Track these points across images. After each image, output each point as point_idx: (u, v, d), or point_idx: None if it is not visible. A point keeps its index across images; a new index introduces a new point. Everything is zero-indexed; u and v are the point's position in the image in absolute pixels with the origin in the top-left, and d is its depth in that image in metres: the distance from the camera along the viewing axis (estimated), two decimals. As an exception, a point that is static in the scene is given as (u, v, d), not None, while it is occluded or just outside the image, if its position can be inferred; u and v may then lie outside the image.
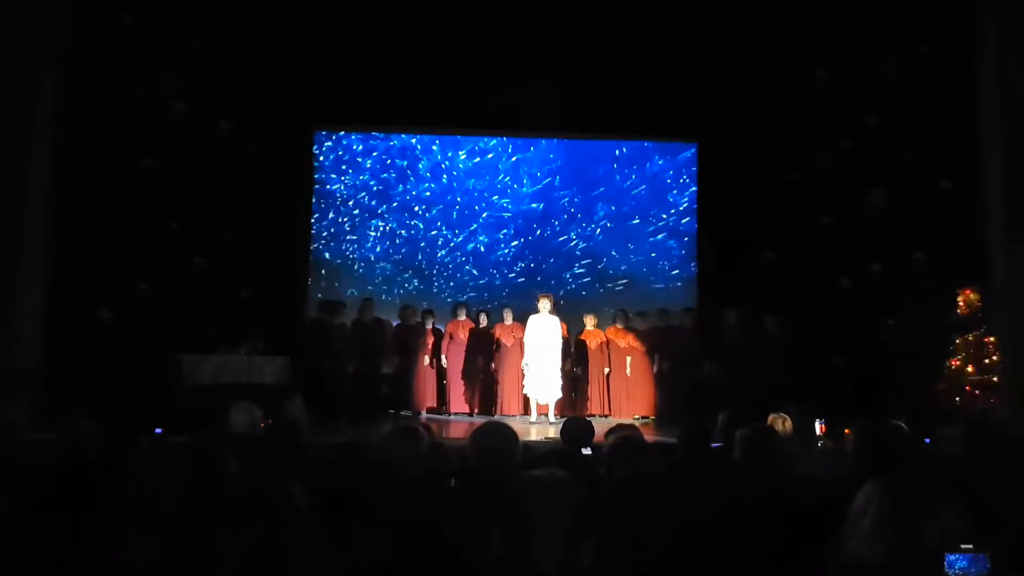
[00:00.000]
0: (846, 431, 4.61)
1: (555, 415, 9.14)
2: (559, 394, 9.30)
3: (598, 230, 11.04)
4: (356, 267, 10.81)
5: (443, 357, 9.90)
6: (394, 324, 9.97)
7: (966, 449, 3.81)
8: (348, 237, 10.81)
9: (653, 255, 11.03)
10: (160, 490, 2.59)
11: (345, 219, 10.83)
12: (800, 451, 4.24)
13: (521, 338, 9.61)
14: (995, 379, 8.09)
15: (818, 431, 5.58)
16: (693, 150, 10.93)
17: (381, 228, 10.87)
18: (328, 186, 10.80)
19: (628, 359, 10.01)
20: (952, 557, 1.78)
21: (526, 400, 9.49)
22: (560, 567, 2.24)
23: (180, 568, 2.25)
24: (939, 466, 3.51)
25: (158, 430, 4.74)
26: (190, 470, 2.68)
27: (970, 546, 1.79)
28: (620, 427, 4.49)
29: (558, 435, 4.96)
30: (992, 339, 8.21)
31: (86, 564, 2.32)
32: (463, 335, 9.99)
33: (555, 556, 2.25)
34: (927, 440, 5.40)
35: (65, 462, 3.36)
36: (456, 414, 9.83)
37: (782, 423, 4.47)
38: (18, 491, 2.78)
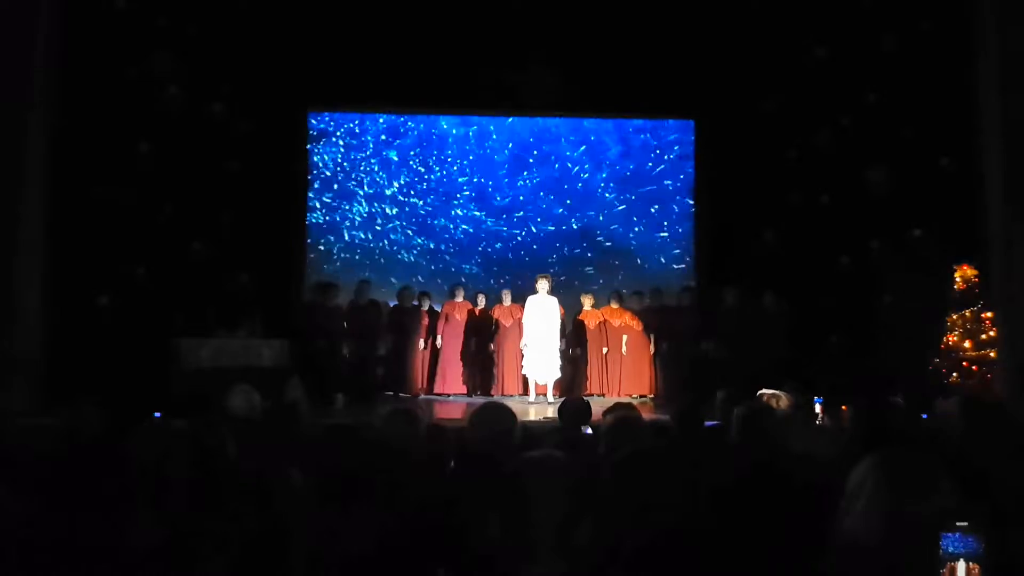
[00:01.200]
0: (843, 408, 4.62)
1: (554, 395, 9.17)
2: (558, 374, 9.34)
3: (596, 209, 11.01)
4: (354, 248, 10.79)
5: (438, 338, 9.89)
6: (391, 306, 9.97)
7: (963, 425, 3.82)
8: (345, 218, 10.78)
9: (651, 234, 11.01)
10: (159, 474, 2.59)
11: (341, 200, 10.79)
12: (798, 428, 4.24)
13: (520, 319, 9.62)
14: (992, 355, 8.12)
15: (816, 408, 5.59)
16: (691, 128, 10.90)
17: (377, 209, 10.84)
18: (323, 167, 10.76)
19: (624, 337, 10.02)
20: (947, 536, 1.78)
21: (525, 380, 9.51)
22: (559, 546, 2.25)
23: (180, 551, 2.27)
24: (936, 442, 3.52)
25: (157, 414, 4.75)
26: (189, 454, 2.68)
27: (965, 524, 1.79)
28: (618, 406, 4.50)
29: (556, 415, 4.97)
30: (989, 315, 8.23)
31: (86, 548, 2.33)
32: (460, 316, 9.98)
33: (553, 535, 2.27)
34: (924, 416, 5.41)
35: (66, 447, 3.37)
36: (454, 395, 9.85)
37: (776, 401, 4.46)
38: (19, 477, 2.78)
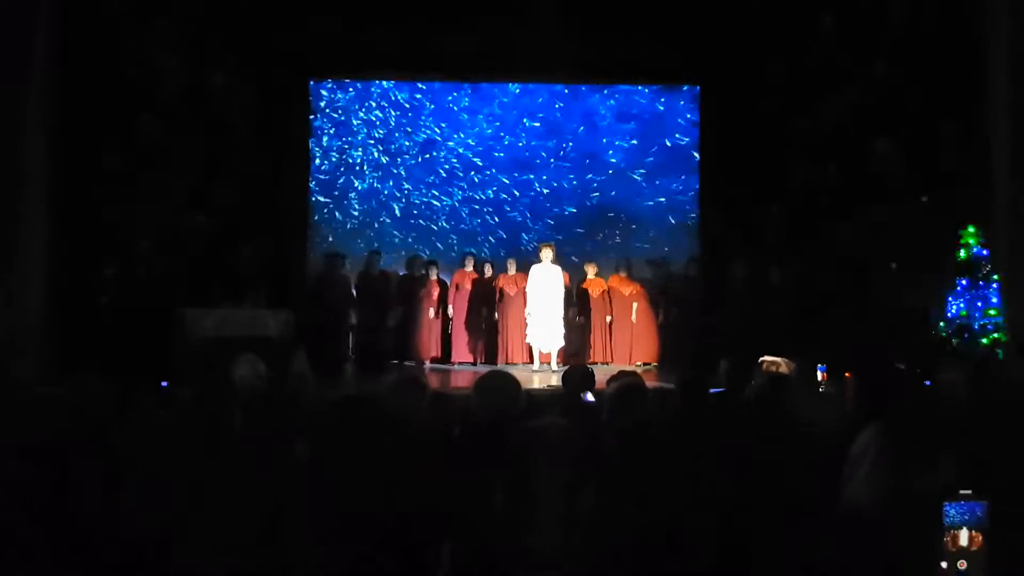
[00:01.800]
0: (846, 375, 4.62)
1: (558, 363, 9.19)
2: (561, 342, 9.34)
3: (601, 178, 10.96)
4: (358, 218, 10.75)
5: (450, 307, 9.93)
6: (400, 274, 9.99)
7: (967, 394, 3.82)
8: (349, 188, 10.73)
9: (656, 203, 10.96)
10: (165, 445, 2.61)
11: (345, 170, 10.74)
12: (801, 396, 4.25)
13: (524, 288, 9.63)
14: (997, 323, 8.09)
15: (819, 377, 5.60)
16: (697, 95, 10.81)
17: (382, 179, 10.78)
18: (326, 138, 10.70)
19: (635, 305, 10.04)
20: (950, 505, 1.78)
21: (529, 349, 9.55)
22: (562, 513, 2.27)
23: (186, 521, 2.29)
24: (939, 411, 3.52)
25: (163, 383, 4.77)
26: (194, 424, 2.70)
27: (969, 492, 1.79)
28: (622, 374, 4.51)
29: (560, 382, 4.99)
30: (995, 283, 8.20)
31: (93, 518, 2.36)
32: (468, 285, 10.01)
33: (557, 502, 2.28)
34: (927, 384, 5.42)
35: (72, 418, 3.39)
36: (460, 363, 9.89)
37: (777, 368, 4.47)
38: (25, 448, 2.80)
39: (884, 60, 9.18)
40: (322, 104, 10.69)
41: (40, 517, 2.39)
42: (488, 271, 10.08)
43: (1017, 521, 1.98)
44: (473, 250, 10.47)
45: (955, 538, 1.78)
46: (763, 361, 4.64)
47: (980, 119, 8.20)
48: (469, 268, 10.09)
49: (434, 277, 9.95)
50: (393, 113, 10.84)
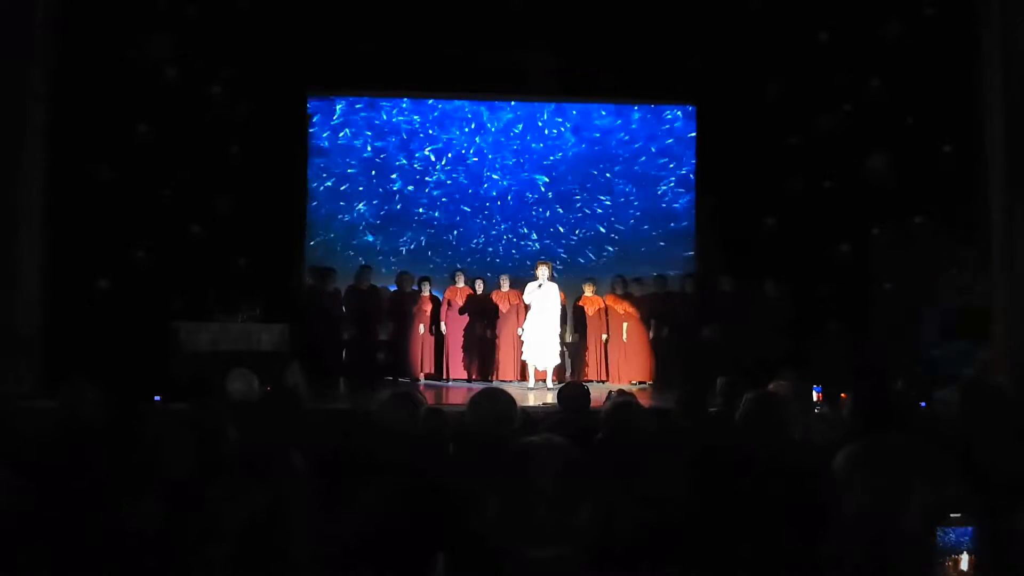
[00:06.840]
0: (842, 396, 4.62)
1: (553, 381, 9.18)
2: (557, 360, 9.34)
3: (597, 195, 10.98)
4: (353, 232, 10.75)
5: (442, 324, 9.90)
6: (391, 290, 9.98)
7: (962, 413, 3.82)
8: (345, 202, 10.74)
9: (652, 220, 10.99)
10: (159, 458, 2.60)
11: (341, 184, 10.75)
12: (797, 415, 4.25)
13: (518, 305, 9.62)
14: (993, 343, 8.11)
15: (814, 396, 5.59)
16: (692, 114, 10.86)
17: (377, 194, 10.79)
18: (323, 151, 10.71)
19: (625, 325, 10.01)
20: (949, 529, 1.77)
21: (524, 366, 9.52)
22: (558, 532, 2.26)
23: (180, 536, 2.27)
24: (935, 430, 3.52)
25: (157, 398, 4.76)
26: (189, 438, 2.68)
27: (959, 515, 1.78)
28: (618, 392, 4.52)
29: (555, 400, 4.98)
30: (990, 303, 8.22)
31: (86, 532, 2.34)
32: (461, 301, 9.99)
33: (553, 520, 2.27)
34: (923, 404, 5.41)
35: (66, 430, 3.38)
36: (454, 380, 9.86)
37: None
38: (18, 458, 2.79)
39: (879, 77, 9.26)
40: (320, 117, 10.71)
41: (32, 530, 2.37)
42: (480, 287, 10.06)
43: (1013, 539, 1.97)
44: (465, 267, 10.45)
45: (956, 563, 1.76)
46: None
47: (976, 137, 8.26)
48: (461, 284, 10.07)
49: (427, 293, 9.94)
50: (390, 128, 10.86)
